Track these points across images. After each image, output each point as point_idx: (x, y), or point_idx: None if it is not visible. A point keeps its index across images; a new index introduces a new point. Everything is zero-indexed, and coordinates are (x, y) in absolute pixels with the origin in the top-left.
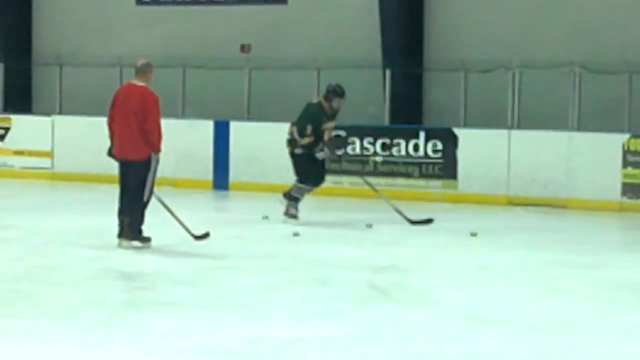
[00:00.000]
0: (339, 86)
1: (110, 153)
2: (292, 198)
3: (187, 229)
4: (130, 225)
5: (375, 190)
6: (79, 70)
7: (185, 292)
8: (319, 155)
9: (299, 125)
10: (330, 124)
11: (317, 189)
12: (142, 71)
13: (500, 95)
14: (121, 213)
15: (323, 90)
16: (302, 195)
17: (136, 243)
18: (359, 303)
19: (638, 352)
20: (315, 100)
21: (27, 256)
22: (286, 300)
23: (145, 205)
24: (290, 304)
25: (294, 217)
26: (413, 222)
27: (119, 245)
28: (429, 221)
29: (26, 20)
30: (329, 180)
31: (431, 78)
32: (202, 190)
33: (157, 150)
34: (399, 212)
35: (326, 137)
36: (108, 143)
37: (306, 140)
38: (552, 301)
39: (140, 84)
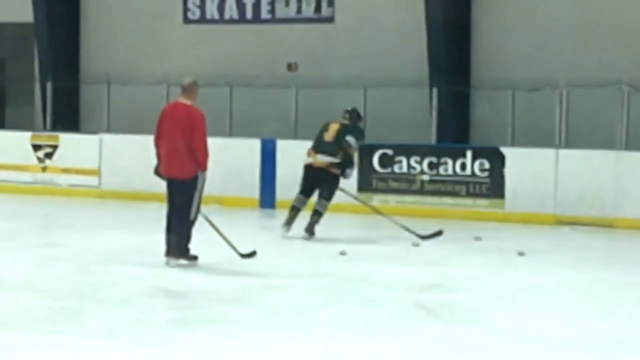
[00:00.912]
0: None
1: (156, 172)
2: (320, 215)
3: (233, 248)
4: (178, 244)
5: (369, 206)
6: (126, 89)
7: (232, 311)
8: (349, 173)
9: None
10: None
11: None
12: (189, 90)
13: (547, 114)
14: (168, 231)
15: (371, 108)
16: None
17: (183, 261)
18: (406, 322)
19: None
20: (345, 122)
21: (74, 274)
22: (333, 319)
23: (192, 223)
24: (337, 323)
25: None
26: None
27: (166, 264)
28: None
29: (74, 40)
30: (376, 199)
31: (478, 97)
32: (249, 208)
33: (204, 168)
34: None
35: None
36: (155, 161)
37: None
38: (601, 321)
39: (187, 102)
